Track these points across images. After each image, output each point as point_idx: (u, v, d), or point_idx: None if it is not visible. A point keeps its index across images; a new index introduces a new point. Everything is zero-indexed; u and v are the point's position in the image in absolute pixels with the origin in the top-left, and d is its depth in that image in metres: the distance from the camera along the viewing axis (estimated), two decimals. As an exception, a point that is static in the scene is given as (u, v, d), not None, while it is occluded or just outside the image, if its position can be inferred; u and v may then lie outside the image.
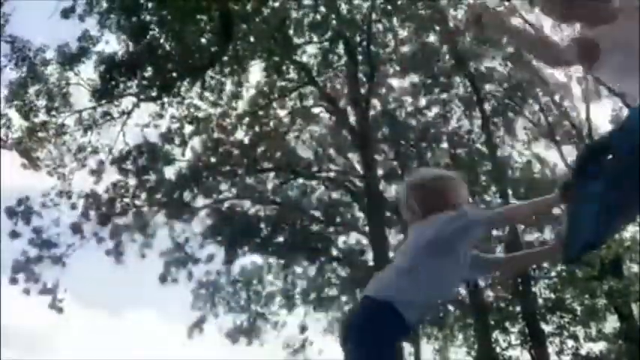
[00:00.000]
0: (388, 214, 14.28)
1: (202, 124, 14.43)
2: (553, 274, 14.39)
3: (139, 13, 12.61)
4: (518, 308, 14.00)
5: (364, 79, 14.40)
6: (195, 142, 14.53)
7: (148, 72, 13.68)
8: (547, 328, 13.83)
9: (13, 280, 13.71)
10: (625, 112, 14.64)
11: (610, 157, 1.90)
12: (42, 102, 13.66)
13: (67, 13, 12.30)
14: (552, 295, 14.28)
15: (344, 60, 14.38)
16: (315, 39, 14.21)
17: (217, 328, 15.35)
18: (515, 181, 14.75)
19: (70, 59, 13.32)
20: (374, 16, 14.21)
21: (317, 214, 15.31)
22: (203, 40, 13.15)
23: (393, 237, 14.58)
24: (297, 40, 13.92)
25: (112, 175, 14.24)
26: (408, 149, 15.10)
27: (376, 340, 1.99)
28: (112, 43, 13.49)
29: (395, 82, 15.36)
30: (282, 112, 15.07)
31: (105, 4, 12.43)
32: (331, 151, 15.29)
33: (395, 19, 14.35)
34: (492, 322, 13.87)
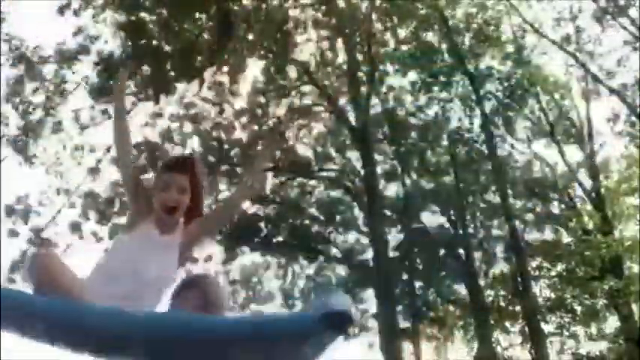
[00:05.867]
0: (388, 213, 14.26)
1: (201, 123, 14.41)
2: (553, 273, 14.38)
3: (137, 12, 12.58)
4: (518, 308, 13.99)
5: (364, 78, 14.37)
6: (195, 142, 14.51)
7: (147, 71, 13.65)
8: (547, 328, 13.82)
9: (11, 280, 13.66)
10: (624, 112, 14.65)
11: None
12: (39, 99, 13.66)
13: (62, 10, 12.26)
14: (552, 295, 14.26)
15: (344, 58, 14.35)
16: (315, 37, 14.18)
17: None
18: (516, 180, 14.75)
19: (67, 58, 13.30)
20: (374, 15, 14.21)
21: (317, 213, 15.27)
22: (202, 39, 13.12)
23: (393, 237, 14.58)
24: (297, 39, 13.89)
25: (110, 174, 14.21)
26: (408, 148, 15.07)
27: None
28: (111, 42, 13.46)
29: (395, 81, 15.33)
30: (281, 111, 15.04)
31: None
32: (331, 150, 15.26)
33: (395, 18, 14.33)
34: (492, 322, 13.85)
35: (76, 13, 12.84)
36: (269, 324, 2.02)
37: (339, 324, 1.88)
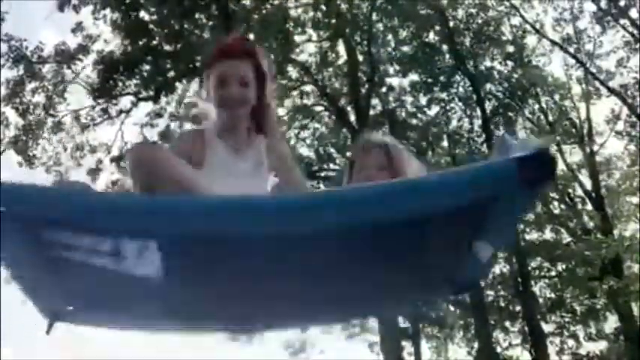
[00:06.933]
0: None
1: (201, 123, 14.36)
2: (553, 273, 14.39)
3: (137, 11, 12.58)
4: (518, 308, 14.00)
5: (364, 78, 14.38)
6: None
7: (147, 71, 13.64)
8: (547, 328, 13.84)
9: (8, 281, 13.61)
10: (625, 111, 14.67)
11: None
12: (39, 100, 13.65)
13: (62, 6, 12.26)
14: (552, 295, 14.28)
15: (344, 59, 14.36)
16: (315, 37, 14.18)
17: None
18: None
19: (67, 57, 13.30)
20: (374, 15, 14.21)
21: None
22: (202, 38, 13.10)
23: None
24: (297, 39, 13.88)
25: (110, 173, 14.19)
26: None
27: None
28: (111, 42, 13.45)
29: (395, 81, 15.34)
30: (282, 111, 15.03)
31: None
32: (332, 150, 15.25)
33: (395, 19, 14.33)
34: (492, 322, 13.86)
35: (75, 8, 12.82)
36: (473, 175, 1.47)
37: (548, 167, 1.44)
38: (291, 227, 1.43)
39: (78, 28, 13.24)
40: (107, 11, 13.03)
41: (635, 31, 13.75)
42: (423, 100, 14.94)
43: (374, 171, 1.98)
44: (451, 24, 14.56)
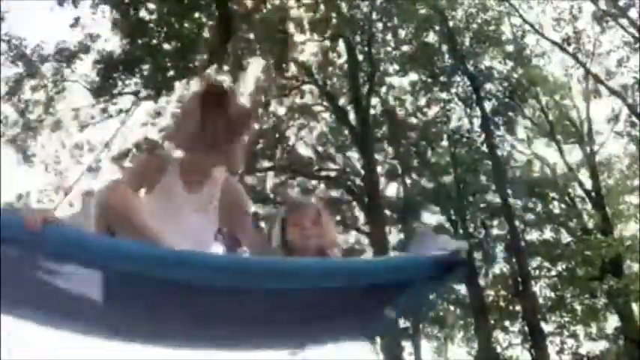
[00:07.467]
0: (388, 213, 14.24)
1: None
2: (553, 273, 14.38)
3: (137, 9, 12.59)
4: (518, 307, 13.99)
5: (364, 78, 14.39)
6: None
7: (147, 70, 13.64)
8: (547, 328, 13.83)
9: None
10: (624, 112, 14.68)
11: None
12: (38, 98, 13.65)
13: (61, 1, 12.28)
14: (552, 295, 14.27)
15: (344, 58, 14.36)
16: (316, 37, 14.18)
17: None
18: (515, 180, 14.75)
19: (67, 56, 13.30)
20: (374, 15, 14.23)
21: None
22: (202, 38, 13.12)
23: (394, 237, 14.56)
24: (297, 39, 13.89)
25: (110, 172, 14.17)
26: (408, 148, 15.07)
27: None
28: (111, 40, 13.45)
29: (395, 81, 15.35)
30: (281, 110, 15.03)
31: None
32: (331, 149, 15.24)
33: (395, 19, 14.35)
34: (492, 322, 13.84)
35: (74, 2, 12.81)
36: (397, 266, 1.87)
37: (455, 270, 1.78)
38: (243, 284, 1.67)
39: (76, 24, 13.23)
40: (106, 7, 13.05)
41: (635, 31, 13.75)
42: (423, 100, 14.96)
43: (309, 225, 2.32)
44: (451, 24, 14.57)
